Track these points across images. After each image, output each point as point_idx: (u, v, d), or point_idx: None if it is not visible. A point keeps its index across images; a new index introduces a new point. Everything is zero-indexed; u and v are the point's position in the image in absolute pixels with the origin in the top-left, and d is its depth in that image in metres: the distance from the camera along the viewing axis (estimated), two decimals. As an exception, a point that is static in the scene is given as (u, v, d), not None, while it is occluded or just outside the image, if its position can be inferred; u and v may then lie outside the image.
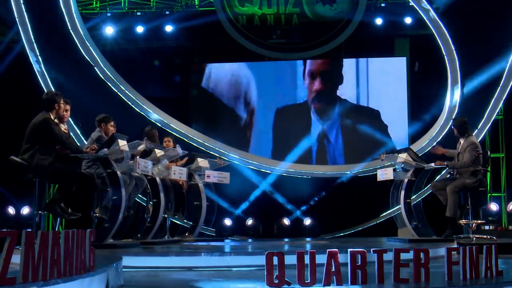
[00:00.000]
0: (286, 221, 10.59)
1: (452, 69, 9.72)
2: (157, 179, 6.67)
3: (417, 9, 9.95)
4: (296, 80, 11.81)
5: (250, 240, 9.09)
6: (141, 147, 6.15)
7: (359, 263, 2.95)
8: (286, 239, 8.94)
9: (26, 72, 9.89)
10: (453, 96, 9.75)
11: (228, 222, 10.43)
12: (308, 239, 9.48)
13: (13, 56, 10.40)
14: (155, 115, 10.61)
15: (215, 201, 8.11)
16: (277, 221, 10.62)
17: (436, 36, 9.78)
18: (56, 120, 5.65)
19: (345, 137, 11.50)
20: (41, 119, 5.43)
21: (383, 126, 11.33)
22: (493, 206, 10.13)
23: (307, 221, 10.57)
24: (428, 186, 8.08)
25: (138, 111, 10.55)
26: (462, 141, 6.85)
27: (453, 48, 9.64)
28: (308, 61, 11.76)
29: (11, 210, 10.08)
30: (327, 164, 11.39)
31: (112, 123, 6.53)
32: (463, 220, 6.66)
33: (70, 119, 6.25)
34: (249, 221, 10.48)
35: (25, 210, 9.99)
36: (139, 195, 7.52)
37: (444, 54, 9.72)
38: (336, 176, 10.83)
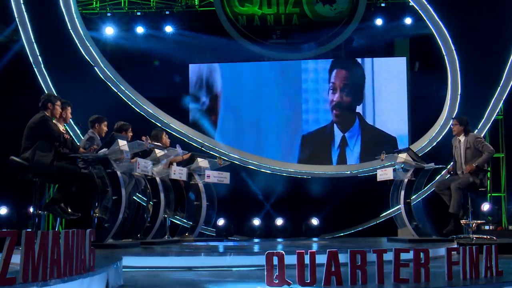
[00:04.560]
0: (280, 221, 10.55)
1: (452, 69, 9.71)
2: (157, 179, 6.67)
3: (417, 9, 9.94)
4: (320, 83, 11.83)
5: (256, 240, 9.06)
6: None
7: (359, 263, 2.95)
8: (286, 239, 8.93)
9: (26, 73, 9.89)
10: (453, 96, 9.75)
11: (222, 222, 10.37)
12: (308, 239, 9.48)
13: (11, 55, 10.39)
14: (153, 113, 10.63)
15: (215, 201, 8.10)
16: (276, 221, 10.62)
17: (436, 36, 9.78)
18: (54, 120, 5.66)
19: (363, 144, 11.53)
20: (39, 118, 5.52)
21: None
22: (486, 206, 10.06)
23: (314, 221, 10.49)
24: (428, 186, 8.08)
25: (138, 111, 10.56)
26: (462, 138, 6.87)
27: (453, 48, 9.64)
28: (333, 72, 11.69)
29: (3, 210, 10.00)
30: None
31: (105, 123, 6.55)
32: (463, 220, 6.67)
33: (70, 119, 6.23)
34: (255, 221, 10.44)
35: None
36: (140, 195, 7.53)
37: (444, 54, 9.72)
38: (336, 176, 10.82)
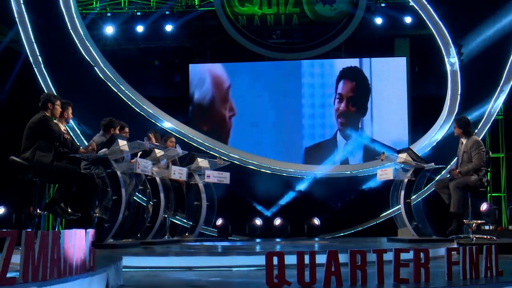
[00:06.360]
0: (278, 221, 10.51)
1: (452, 69, 9.71)
2: (157, 179, 6.66)
3: (417, 9, 9.95)
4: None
5: (258, 240, 9.05)
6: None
7: (359, 263, 2.94)
8: (286, 239, 8.92)
9: (26, 72, 9.89)
10: (453, 96, 9.75)
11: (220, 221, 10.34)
12: (308, 239, 9.47)
13: (19, 64, 10.40)
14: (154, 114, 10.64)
15: (215, 201, 8.10)
16: (275, 221, 10.59)
17: (436, 36, 9.79)
18: (55, 120, 5.67)
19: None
20: (39, 117, 5.53)
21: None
22: (484, 206, 10.01)
23: (315, 221, 10.43)
24: (428, 186, 8.07)
25: (138, 111, 10.56)
26: (464, 140, 6.86)
27: (453, 48, 9.64)
28: (341, 82, 11.64)
29: (1, 210, 9.96)
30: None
31: (119, 127, 6.53)
32: (464, 220, 6.67)
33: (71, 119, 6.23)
34: (257, 221, 10.43)
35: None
36: (140, 195, 7.52)
37: (444, 54, 9.73)
38: (336, 176, 10.82)
